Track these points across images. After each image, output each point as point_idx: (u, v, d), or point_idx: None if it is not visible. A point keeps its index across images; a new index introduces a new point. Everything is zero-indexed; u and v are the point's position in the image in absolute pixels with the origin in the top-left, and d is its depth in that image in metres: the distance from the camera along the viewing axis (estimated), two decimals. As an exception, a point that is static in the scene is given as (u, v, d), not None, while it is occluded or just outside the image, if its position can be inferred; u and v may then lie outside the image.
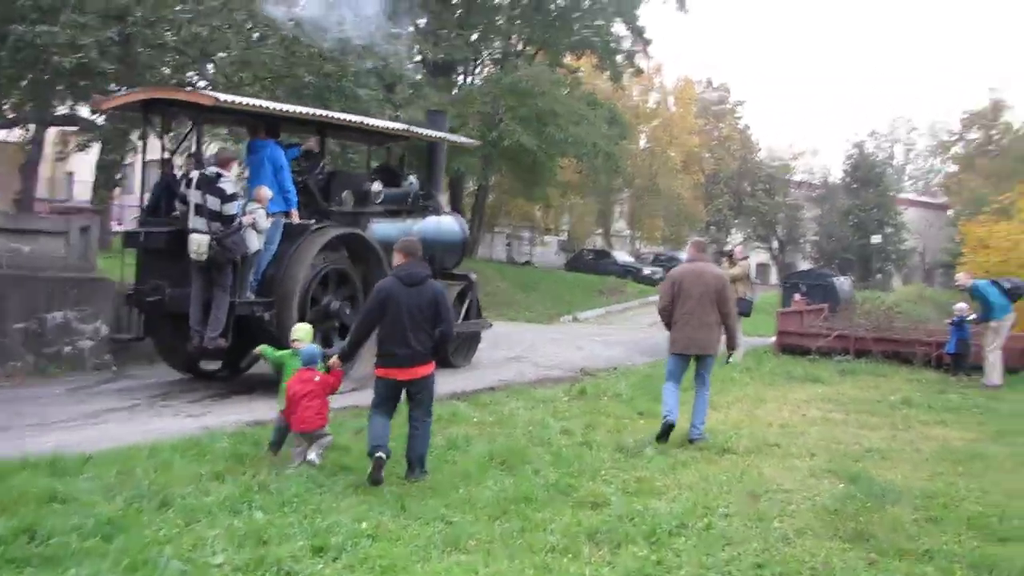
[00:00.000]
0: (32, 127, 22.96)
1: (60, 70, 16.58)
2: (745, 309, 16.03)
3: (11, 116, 20.84)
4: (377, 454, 7.57)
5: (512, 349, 17.54)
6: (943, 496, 7.70)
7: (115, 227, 27.90)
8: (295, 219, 12.43)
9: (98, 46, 16.31)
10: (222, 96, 12.19)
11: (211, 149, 20.45)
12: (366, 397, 8.61)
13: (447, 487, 7.61)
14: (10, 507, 6.38)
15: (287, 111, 12.85)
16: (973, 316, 15.92)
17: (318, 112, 13.80)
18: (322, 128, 14.09)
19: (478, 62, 37.01)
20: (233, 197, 11.35)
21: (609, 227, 55.90)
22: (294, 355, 8.55)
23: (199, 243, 11.12)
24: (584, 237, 52.11)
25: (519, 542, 6.32)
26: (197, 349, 11.75)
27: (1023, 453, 9.67)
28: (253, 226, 11.55)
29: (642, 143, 52.66)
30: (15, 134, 26.83)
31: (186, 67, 19.49)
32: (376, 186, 14.05)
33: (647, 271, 43.37)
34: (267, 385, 12.89)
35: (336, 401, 8.81)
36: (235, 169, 12.47)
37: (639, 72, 41.17)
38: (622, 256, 46.87)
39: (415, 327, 7.72)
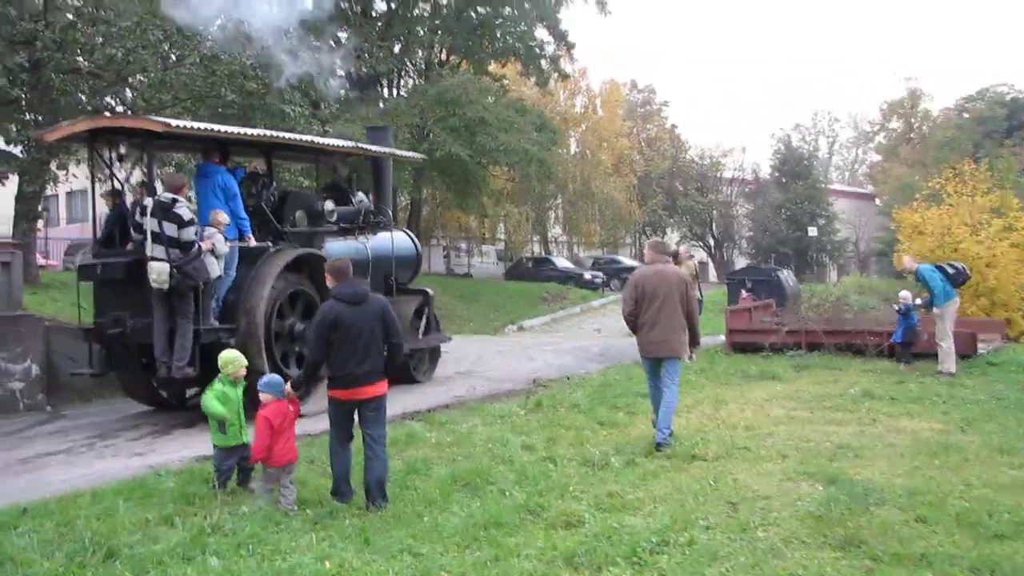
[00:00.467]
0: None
1: (-32, 100, 15.90)
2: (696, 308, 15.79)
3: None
4: (343, 497, 7.60)
5: (460, 363, 17.15)
6: (927, 493, 7.40)
7: (41, 261, 27.07)
8: (251, 243, 12.26)
9: (6, 72, 15.66)
10: (173, 122, 11.84)
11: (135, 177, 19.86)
12: (312, 424, 8.22)
13: (411, 515, 7.23)
14: (-61, 574, 5.92)
15: (240, 134, 12.69)
16: (919, 302, 15.83)
17: (271, 134, 13.64)
18: (268, 149, 13.90)
19: (402, 74, 36.61)
20: (190, 222, 11.11)
21: (546, 234, 55.72)
22: (235, 385, 8.12)
23: (159, 271, 10.87)
24: (522, 245, 51.84)
25: (494, 572, 5.96)
26: (165, 379, 11.51)
27: (995, 443, 9.44)
28: (212, 251, 11.32)
29: (572, 148, 52.57)
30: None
31: (103, 91, 18.81)
32: (329, 205, 13.86)
33: (588, 276, 43.15)
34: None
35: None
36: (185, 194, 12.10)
37: (564, 77, 41.04)
38: (562, 262, 46.60)
39: (367, 345, 7.55)
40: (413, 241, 16.26)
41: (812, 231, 56.49)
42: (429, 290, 15.93)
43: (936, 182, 30.86)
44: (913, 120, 71.82)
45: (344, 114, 26.29)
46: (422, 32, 35.44)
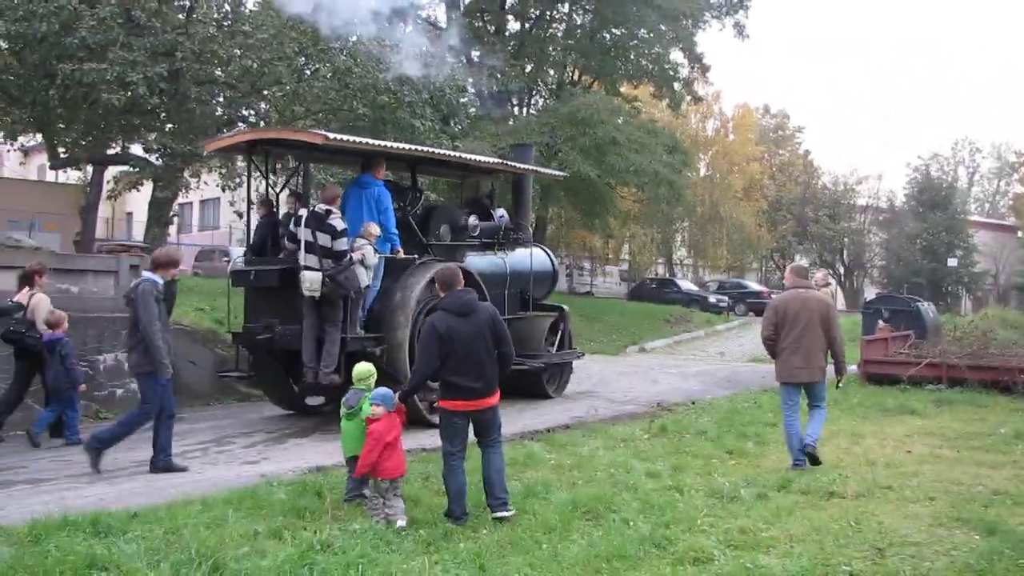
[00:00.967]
0: (90, 168, 22.69)
1: (109, 108, 16.16)
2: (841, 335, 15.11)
3: (64, 156, 20.50)
4: (457, 520, 7.30)
5: (582, 383, 16.71)
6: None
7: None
8: (399, 255, 12.53)
9: (146, 82, 15.89)
10: (332, 135, 12.07)
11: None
12: (425, 439, 7.92)
13: (528, 542, 6.81)
14: (46, 575, 5.73)
15: (393, 148, 13.00)
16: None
17: (423, 149, 13.92)
18: (414, 163, 14.12)
19: (533, 93, 36.41)
20: (343, 233, 11.36)
21: (671, 256, 54.89)
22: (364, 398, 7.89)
23: (312, 280, 11.07)
24: (646, 266, 51.14)
25: (616, 609, 5.51)
26: (312, 385, 11.74)
27: None
28: (362, 262, 11.58)
29: (703, 171, 51.72)
30: (71, 175, 26.71)
31: (238, 103, 19.01)
32: (473, 220, 14.11)
33: (712, 299, 42.17)
34: (323, 427, 12.25)
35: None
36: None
37: (698, 100, 40.31)
38: (686, 284, 45.70)
39: (479, 355, 7.33)
40: (550, 258, 16.36)
41: (952, 262, 54.33)
42: (565, 307, 16.00)
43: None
44: (1064, 151, 68.84)
45: (474, 131, 26.17)
46: (554, 51, 35.23)
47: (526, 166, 15.89)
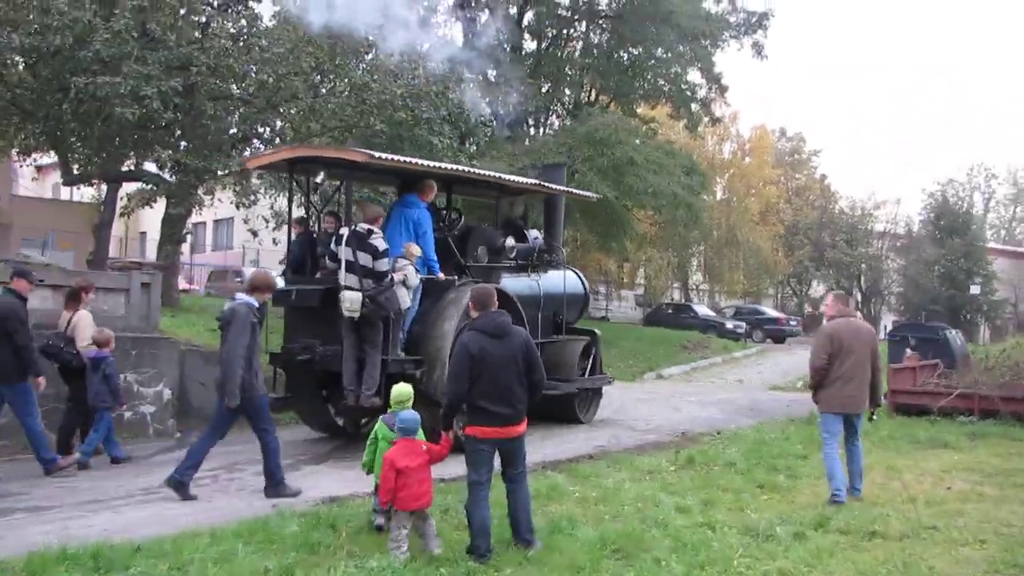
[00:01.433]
0: (104, 186, 22.42)
1: (123, 122, 15.85)
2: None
3: (77, 172, 20.22)
4: (481, 557, 6.85)
5: (602, 410, 16.22)
6: None
7: (183, 285, 27.34)
8: (440, 278, 12.46)
9: (161, 96, 15.59)
10: (376, 154, 12.01)
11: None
12: (443, 469, 7.53)
13: (557, 584, 6.39)
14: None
15: (435, 168, 12.96)
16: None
17: (464, 169, 14.07)
18: (449, 183, 13.98)
19: (549, 113, 36.08)
20: (385, 253, 11.24)
21: (687, 280, 54.41)
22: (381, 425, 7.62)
23: (352, 300, 10.95)
24: (662, 291, 50.68)
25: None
26: (352, 408, 11.57)
27: None
28: (403, 282, 11.49)
29: (719, 194, 51.31)
30: (85, 193, 26.48)
31: (253, 119, 18.70)
32: (510, 241, 14.11)
33: (730, 325, 41.70)
34: (338, 454, 11.87)
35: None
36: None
37: (716, 121, 39.88)
38: (703, 310, 45.23)
39: (510, 381, 6.99)
40: (582, 280, 16.27)
41: (974, 289, 53.68)
42: (597, 331, 15.90)
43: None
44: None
45: (491, 151, 25.83)
46: (571, 71, 34.92)
47: (560, 187, 15.79)
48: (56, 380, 11.11)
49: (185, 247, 27.07)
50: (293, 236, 13.32)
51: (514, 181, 14.70)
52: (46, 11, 15.21)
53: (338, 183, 13.73)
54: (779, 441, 13.21)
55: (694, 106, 36.00)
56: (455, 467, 7.57)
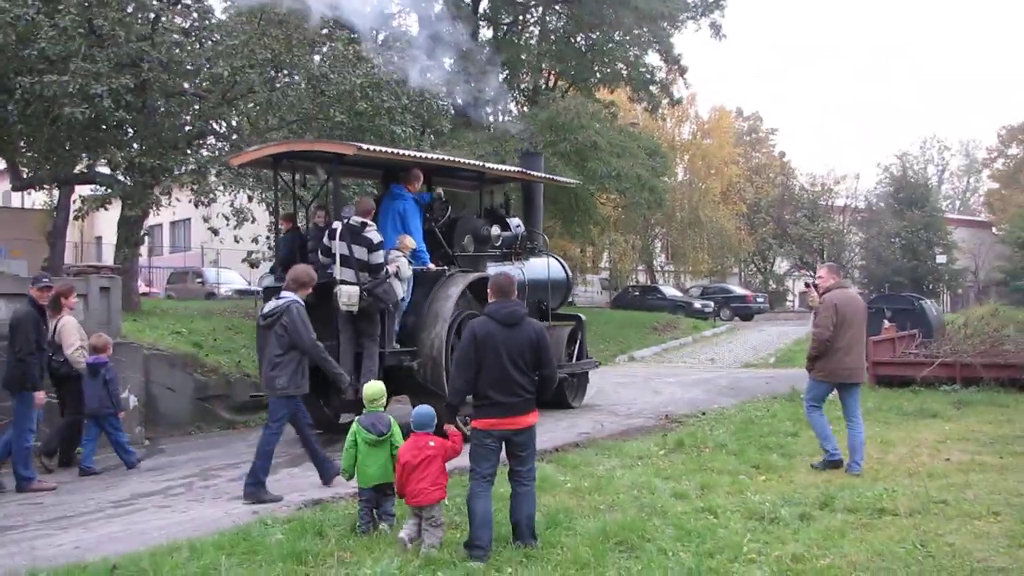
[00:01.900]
0: (56, 191, 21.75)
1: (73, 123, 15.28)
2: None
3: (27, 176, 19.54)
4: (479, 555, 6.45)
5: (582, 396, 15.93)
6: None
7: (143, 288, 26.68)
8: (431, 269, 12.45)
9: (111, 95, 15.03)
10: (364, 145, 12.06)
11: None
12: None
13: (562, 581, 6.03)
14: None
15: (420, 158, 13.01)
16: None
17: (447, 158, 14.13)
18: (428, 173, 13.74)
19: (508, 99, 35.66)
20: (380, 246, 11.20)
21: (652, 262, 54.26)
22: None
23: (350, 294, 10.86)
24: (627, 274, 50.49)
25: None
26: (351, 402, 11.28)
27: None
28: (396, 274, 11.45)
29: (680, 175, 51.19)
30: (37, 199, 25.74)
31: (208, 114, 18.15)
32: (495, 230, 14.04)
33: (698, 305, 41.65)
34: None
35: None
36: None
37: (676, 102, 39.66)
38: (670, 291, 45.13)
39: (517, 371, 6.62)
40: (564, 267, 16.26)
41: (941, 259, 54.03)
42: (581, 316, 16.00)
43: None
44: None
45: (452, 139, 25.41)
46: (527, 57, 34.53)
47: (541, 174, 15.78)
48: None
49: (143, 249, 26.43)
50: (281, 232, 13.26)
51: (497, 169, 14.65)
52: (-15, 9, 14.61)
53: (325, 177, 13.52)
54: (766, 419, 12.95)
55: (653, 88, 35.77)
56: (457, 459, 7.17)
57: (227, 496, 9.03)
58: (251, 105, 18.08)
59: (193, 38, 17.27)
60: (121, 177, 17.94)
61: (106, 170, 18.68)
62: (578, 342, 15.22)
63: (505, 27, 34.29)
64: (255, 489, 8.66)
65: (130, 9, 16.48)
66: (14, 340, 9.66)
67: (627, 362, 27.00)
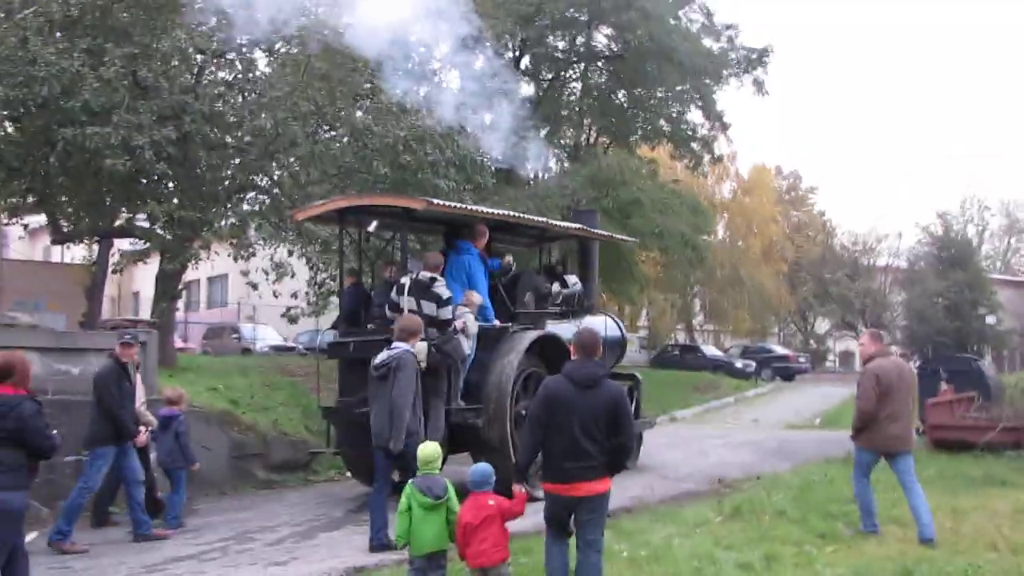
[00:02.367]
0: (95, 247, 21.63)
1: (114, 175, 15.11)
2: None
3: (66, 230, 19.38)
4: None
5: (628, 459, 15.41)
6: None
7: (179, 344, 26.44)
8: (496, 324, 12.25)
9: (153, 146, 14.86)
10: (434, 200, 12.14)
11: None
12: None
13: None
14: None
15: (490, 214, 13.00)
16: None
17: (512, 214, 13.87)
18: (493, 228, 13.48)
19: (549, 155, 35.43)
20: (448, 301, 11.11)
21: (691, 321, 53.69)
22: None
23: (419, 350, 10.24)
24: (666, 333, 49.91)
25: None
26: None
27: None
28: (463, 331, 11.21)
29: (720, 234, 50.78)
30: (76, 253, 25.67)
31: (250, 167, 17.93)
32: (556, 287, 13.83)
33: (739, 364, 41.08)
34: (355, 517, 11.02)
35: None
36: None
37: (717, 160, 39.29)
38: (711, 350, 44.57)
39: (587, 437, 6.25)
40: (619, 326, 15.88)
41: (991, 319, 53.10)
42: (637, 374, 15.60)
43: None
44: (1078, 204, 67.94)
45: (493, 195, 25.14)
46: (568, 113, 34.36)
47: (601, 232, 15.66)
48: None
49: (180, 304, 26.25)
50: (345, 287, 13.19)
51: (559, 226, 14.41)
52: (32, 62, 14.49)
53: (391, 233, 13.51)
54: (824, 485, 12.34)
55: (695, 145, 35.47)
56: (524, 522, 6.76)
57: (264, 562, 8.62)
58: (292, 160, 17.89)
59: (236, 91, 17.10)
60: (160, 231, 17.74)
61: (145, 224, 18.50)
62: (635, 402, 14.80)
63: (546, 83, 34.13)
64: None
65: (175, 62, 16.37)
66: (100, 397, 9.61)
67: (669, 422, 26.39)
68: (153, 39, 15.89)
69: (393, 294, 11.44)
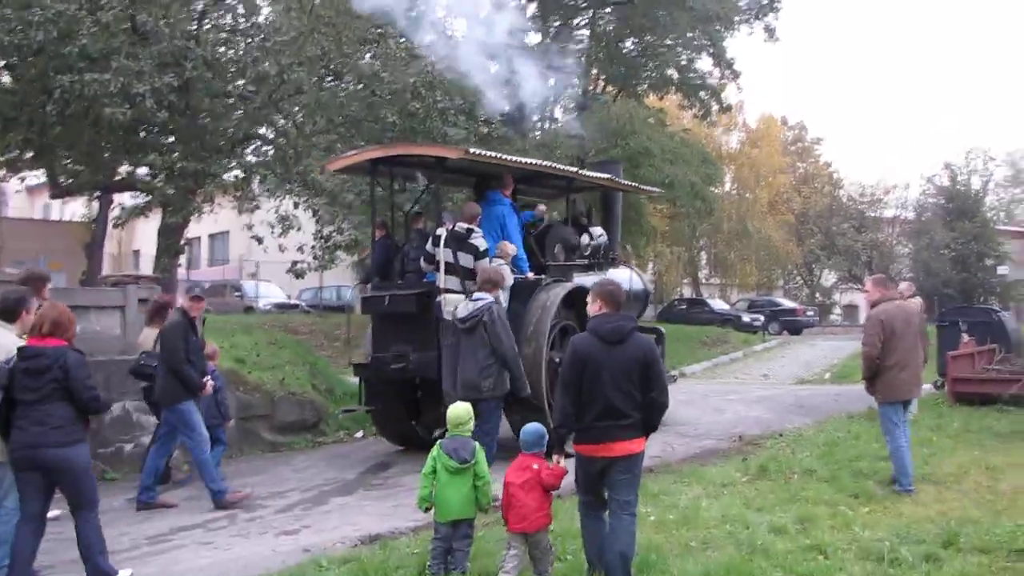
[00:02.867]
0: (95, 203, 21.17)
1: (113, 124, 14.62)
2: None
3: (65, 184, 18.91)
4: None
5: (643, 415, 15.04)
6: None
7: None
8: (530, 276, 12.04)
9: (154, 94, 14.36)
10: (472, 149, 11.84)
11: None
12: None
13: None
14: None
15: (532, 165, 12.68)
16: None
17: (543, 163, 13.39)
18: (519, 179, 13.17)
19: (556, 104, 34.88)
20: (486, 253, 10.81)
21: (697, 274, 53.23)
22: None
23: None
24: (672, 287, 49.49)
25: None
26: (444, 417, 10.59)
27: None
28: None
29: (727, 185, 50.20)
30: (75, 210, 25.25)
31: (252, 115, 17.41)
32: (585, 239, 13.58)
33: (747, 318, 40.57)
34: (366, 482, 10.65)
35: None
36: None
37: (726, 109, 38.68)
38: (718, 304, 44.08)
39: (620, 393, 5.92)
40: (642, 279, 15.62)
41: (1002, 269, 52.69)
42: (661, 328, 15.26)
43: None
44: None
45: (502, 146, 24.66)
46: (571, 61, 33.74)
47: (627, 183, 15.42)
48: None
49: (181, 261, 25.85)
50: (376, 239, 12.88)
51: (587, 176, 13.91)
52: (27, 5, 14.01)
53: (427, 182, 13.08)
54: (850, 442, 11.91)
55: (703, 94, 34.88)
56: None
57: (274, 530, 8.24)
58: (296, 108, 17.40)
59: (239, 36, 16.58)
60: (162, 183, 17.29)
61: (147, 176, 18.03)
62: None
63: (554, 31, 33.47)
64: None
65: (175, 6, 15.82)
66: (164, 352, 9.33)
67: (679, 377, 26.03)
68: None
69: (428, 246, 11.14)
